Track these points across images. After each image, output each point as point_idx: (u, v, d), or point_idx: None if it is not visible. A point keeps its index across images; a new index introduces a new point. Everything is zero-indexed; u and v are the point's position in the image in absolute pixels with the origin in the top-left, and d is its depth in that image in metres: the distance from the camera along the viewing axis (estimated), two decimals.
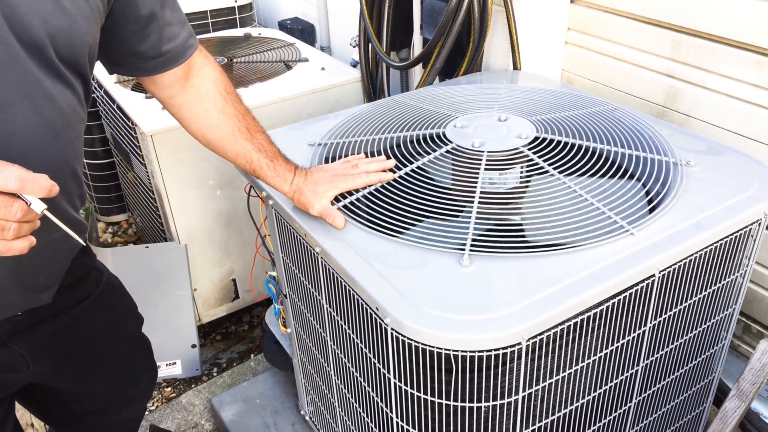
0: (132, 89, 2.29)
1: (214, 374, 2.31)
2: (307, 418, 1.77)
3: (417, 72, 2.24)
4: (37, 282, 1.10)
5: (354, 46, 2.61)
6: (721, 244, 1.19)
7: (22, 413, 2.01)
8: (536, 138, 1.35)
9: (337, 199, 1.26)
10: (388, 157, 1.34)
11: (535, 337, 0.99)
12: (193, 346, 2.24)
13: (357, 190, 1.26)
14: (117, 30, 1.08)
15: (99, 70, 2.49)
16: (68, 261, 1.16)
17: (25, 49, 0.88)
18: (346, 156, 1.40)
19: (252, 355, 2.37)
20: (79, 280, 1.25)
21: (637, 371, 1.24)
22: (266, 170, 1.25)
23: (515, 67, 1.89)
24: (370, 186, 1.27)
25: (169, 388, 2.26)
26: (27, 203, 0.81)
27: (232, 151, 1.25)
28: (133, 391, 1.53)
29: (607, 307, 1.07)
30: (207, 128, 1.24)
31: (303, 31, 3.12)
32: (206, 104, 1.23)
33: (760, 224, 1.24)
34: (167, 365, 2.25)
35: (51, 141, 0.96)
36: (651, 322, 1.18)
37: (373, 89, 2.34)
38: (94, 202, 3.07)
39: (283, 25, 3.22)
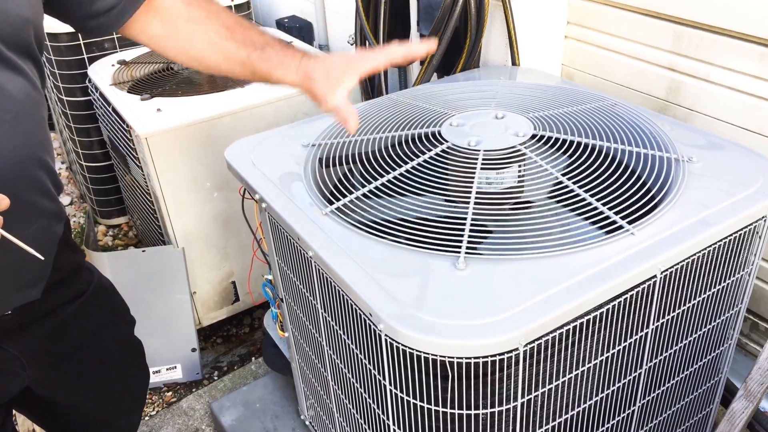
0: (128, 91, 2.27)
1: (215, 378, 2.29)
2: (307, 423, 1.75)
3: (414, 69, 2.21)
4: (23, 278, 1.07)
5: (351, 44, 2.58)
6: (725, 242, 1.16)
7: (23, 419, 2.00)
8: (534, 135, 1.32)
9: (330, 201, 1.23)
10: (382, 158, 1.31)
11: (533, 341, 0.96)
12: (193, 350, 2.22)
13: (350, 191, 1.23)
14: None
15: (95, 72, 2.47)
16: (52, 252, 1.11)
17: None
18: (341, 157, 1.37)
19: (253, 358, 2.35)
20: (68, 278, 1.22)
21: (640, 374, 1.21)
22: (260, 63, 1.12)
23: (514, 63, 1.85)
24: (394, 58, 1.09)
25: (170, 393, 2.24)
26: None
27: (220, 58, 1.14)
28: (127, 398, 1.50)
29: (608, 310, 1.03)
30: (181, 45, 1.14)
31: (301, 29, 3.10)
32: (172, 22, 1.13)
33: (766, 220, 1.21)
34: (167, 369, 2.23)
35: (7, 133, 0.92)
36: (654, 324, 1.15)
37: (370, 87, 2.31)
38: (94, 205, 3.06)
39: (280, 24, 3.19)
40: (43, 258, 0.95)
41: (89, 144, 2.82)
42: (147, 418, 2.10)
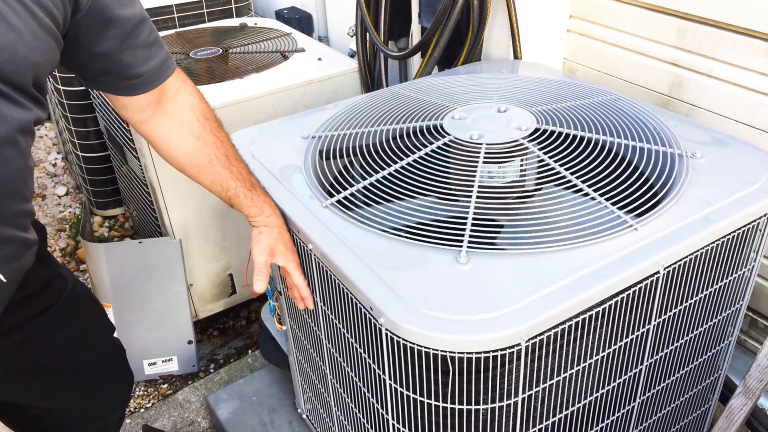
0: None
1: (211, 370, 2.28)
2: (304, 416, 1.74)
3: (415, 62, 2.20)
4: None
5: (351, 36, 2.56)
6: (728, 239, 1.15)
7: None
8: (537, 129, 1.31)
9: (330, 194, 1.22)
10: (383, 150, 1.29)
11: (535, 337, 0.95)
12: (189, 342, 2.20)
13: (351, 184, 1.22)
14: (88, 47, 1.04)
15: None
16: (18, 278, 1.09)
17: None
18: (342, 149, 1.36)
19: (249, 351, 2.33)
20: (36, 293, 1.20)
21: (641, 370, 1.20)
22: (242, 199, 1.21)
23: (516, 56, 1.84)
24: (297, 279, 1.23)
25: (166, 385, 2.23)
26: None
27: (208, 177, 1.21)
28: (106, 401, 1.48)
29: (610, 306, 1.03)
30: (182, 154, 1.20)
31: (300, 20, 3.07)
32: (181, 130, 1.19)
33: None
34: (163, 362, 2.22)
35: None
36: (655, 320, 1.14)
37: (371, 80, 2.29)
38: (91, 196, 3.04)
39: (279, 15, 3.16)
40: (5, 280, 0.94)
41: (86, 134, 2.80)
42: (142, 410, 2.09)
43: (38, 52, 0.93)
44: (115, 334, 1.49)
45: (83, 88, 2.63)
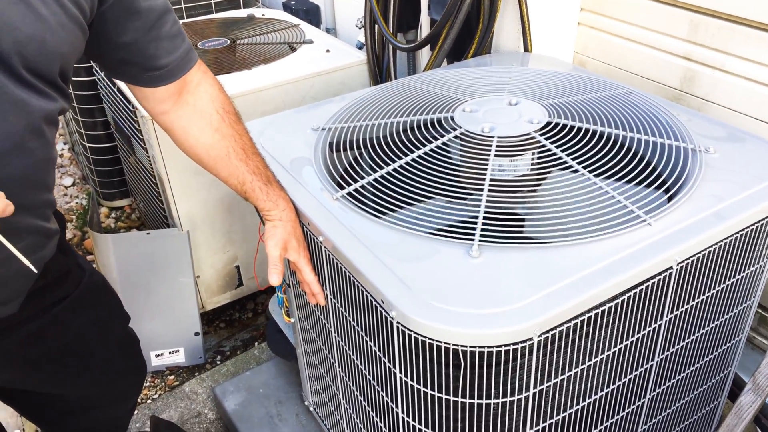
0: None
1: (218, 362, 2.29)
2: (311, 409, 1.74)
3: (424, 54, 2.18)
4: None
5: (360, 28, 2.54)
6: (741, 235, 1.14)
7: (11, 413, 1.99)
8: (548, 123, 1.30)
9: (340, 186, 1.21)
10: (394, 143, 1.29)
11: (548, 332, 0.94)
12: (196, 333, 2.21)
13: (361, 176, 1.22)
14: (113, 37, 1.04)
15: None
16: (33, 276, 1.09)
17: None
18: (352, 141, 1.35)
19: (256, 343, 2.34)
20: (55, 281, 1.20)
21: (652, 366, 1.19)
22: (258, 193, 1.20)
23: (526, 49, 1.83)
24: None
25: (172, 376, 2.24)
26: None
27: (225, 170, 1.21)
28: (118, 390, 1.48)
29: (623, 301, 1.02)
30: (200, 147, 1.20)
31: (308, 12, 3.05)
32: (201, 122, 1.18)
33: None
34: (170, 353, 2.22)
35: (16, 148, 0.92)
36: (667, 316, 1.13)
37: (379, 72, 2.28)
38: (97, 187, 3.04)
39: (287, 6, 3.15)
40: (36, 271, 0.95)
41: (93, 125, 2.79)
42: (149, 401, 2.10)
43: (66, 43, 0.93)
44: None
45: (90, 78, 2.63)
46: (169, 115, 1.18)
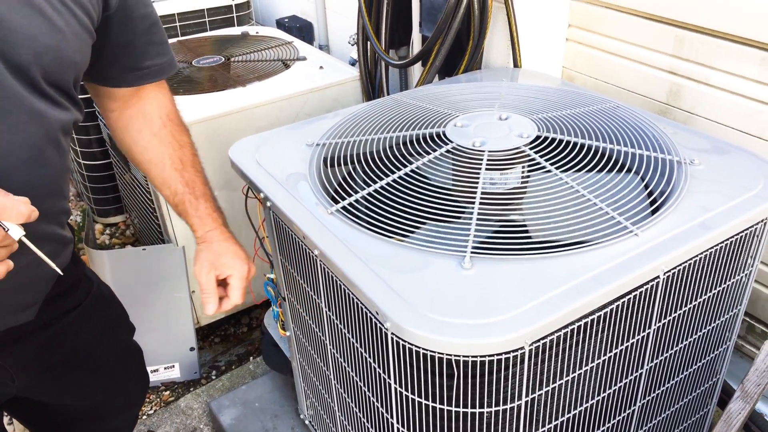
0: None
1: (213, 377, 2.29)
2: (306, 422, 1.75)
3: (416, 70, 2.22)
4: (18, 303, 1.08)
5: (353, 45, 2.59)
6: (726, 244, 1.17)
7: (8, 420, 1.99)
8: (538, 137, 1.33)
9: (335, 200, 1.24)
10: (387, 157, 1.31)
11: (539, 341, 0.97)
12: (192, 349, 2.22)
13: (355, 191, 1.24)
14: (111, 38, 1.08)
15: None
16: (51, 281, 1.12)
17: (8, 68, 0.87)
18: (346, 156, 1.38)
19: (251, 358, 2.35)
20: (67, 290, 1.22)
21: (641, 374, 1.22)
22: (187, 206, 1.23)
23: (515, 65, 1.86)
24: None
25: (168, 392, 2.24)
26: (5, 229, 0.81)
27: (158, 177, 1.24)
28: (122, 401, 1.50)
29: (612, 310, 1.04)
30: (136, 147, 1.24)
31: (301, 29, 3.10)
32: (142, 125, 1.23)
33: (765, 223, 1.22)
34: (165, 368, 2.23)
35: (35, 158, 0.94)
36: (655, 325, 1.16)
37: (372, 88, 2.32)
38: (92, 204, 3.05)
39: (280, 24, 3.19)
40: (61, 273, 0.97)
41: (87, 142, 2.81)
42: (145, 417, 2.10)
43: (79, 52, 0.96)
44: None
45: (86, 95, 2.64)
46: (115, 113, 1.23)
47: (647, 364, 1.21)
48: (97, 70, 1.14)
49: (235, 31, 2.81)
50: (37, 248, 0.90)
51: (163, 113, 1.24)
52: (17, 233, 0.83)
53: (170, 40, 2.62)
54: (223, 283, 1.24)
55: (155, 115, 1.23)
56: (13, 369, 1.16)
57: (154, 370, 2.21)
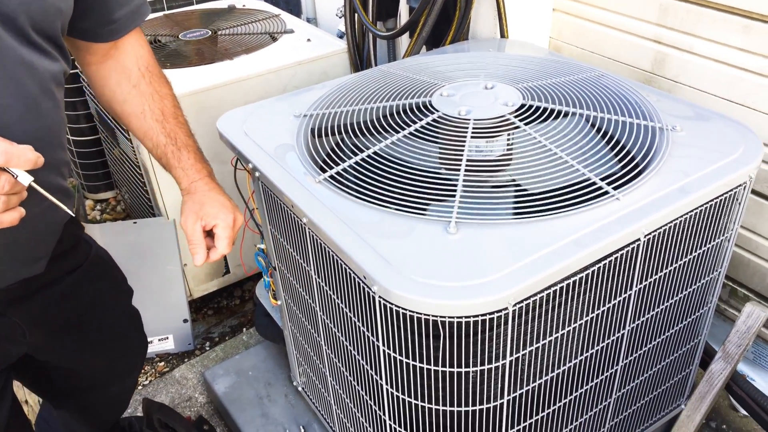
0: None
1: (207, 348, 2.32)
2: (299, 389, 1.79)
3: (404, 42, 2.22)
4: (30, 253, 1.10)
5: (340, 17, 2.57)
6: (706, 208, 1.20)
7: (16, 389, 2.02)
8: (523, 105, 1.34)
9: (322, 170, 1.25)
10: (374, 127, 1.33)
11: (522, 302, 0.99)
12: (185, 320, 2.24)
13: (343, 160, 1.26)
14: None
15: None
16: (59, 230, 1.15)
17: None
18: (333, 127, 1.39)
19: (244, 329, 2.38)
20: (69, 250, 1.24)
21: (623, 334, 1.25)
22: (170, 158, 1.23)
23: (502, 36, 1.87)
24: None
25: (162, 363, 2.27)
26: (13, 176, 0.82)
27: (140, 129, 1.23)
28: (124, 364, 1.53)
29: (593, 272, 1.07)
30: (115, 100, 1.23)
31: (288, 2, 3.08)
32: (120, 76, 1.22)
33: (745, 187, 1.25)
34: (159, 340, 2.25)
35: (32, 110, 0.95)
36: (637, 286, 1.19)
37: (359, 60, 2.32)
38: (81, 180, 3.05)
39: None
40: (73, 215, 0.99)
41: (75, 118, 2.80)
42: (140, 387, 2.13)
43: (63, 1, 0.96)
44: None
45: (74, 71, 2.63)
46: (93, 66, 1.22)
47: (629, 325, 1.25)
48: (72, 22, 1.12)
49: (222, 4, 2.79)
50: (44, 200, 0.91)
51: (142, 64, 1.24)
52: (26, 179, 0.84)
53: (156, 14, 2.63)
54: (210, 234, 1.23)
55: (134, 67, 1.23)
56: (25, 325, 1.18)
57: (149, 342, 2.24)
